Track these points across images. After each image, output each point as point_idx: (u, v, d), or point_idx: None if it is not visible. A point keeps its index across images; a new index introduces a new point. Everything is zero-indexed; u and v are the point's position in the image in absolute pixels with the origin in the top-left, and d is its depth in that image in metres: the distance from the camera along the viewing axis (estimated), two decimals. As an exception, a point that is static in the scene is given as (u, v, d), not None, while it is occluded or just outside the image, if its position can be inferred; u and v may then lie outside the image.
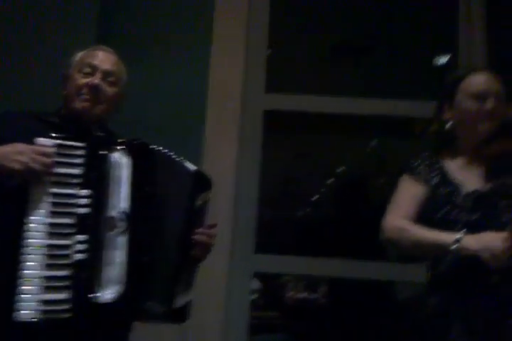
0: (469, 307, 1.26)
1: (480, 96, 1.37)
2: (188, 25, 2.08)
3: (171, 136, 1.88)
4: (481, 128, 1.37)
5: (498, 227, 1.24)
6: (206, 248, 1.31)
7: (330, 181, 3.11)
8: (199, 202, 1.28)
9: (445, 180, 1.39)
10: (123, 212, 1.15)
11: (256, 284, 3.29)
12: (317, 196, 3.13)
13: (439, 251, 1.27)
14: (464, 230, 1.24)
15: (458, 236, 1.22)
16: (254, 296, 3.23)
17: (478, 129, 1.37)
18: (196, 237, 1.27)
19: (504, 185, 1.32)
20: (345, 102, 2.20)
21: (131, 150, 1.19)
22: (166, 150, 1.26)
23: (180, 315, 1.27)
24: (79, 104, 1.26)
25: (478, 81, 1.40)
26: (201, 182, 1.31)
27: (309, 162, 2.67)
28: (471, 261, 1.20)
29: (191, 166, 1.29)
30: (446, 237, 1.24)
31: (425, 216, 1.36)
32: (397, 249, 1.41)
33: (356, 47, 2.59)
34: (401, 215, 1.36)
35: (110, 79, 1.29)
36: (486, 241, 1.19)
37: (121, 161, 1.18)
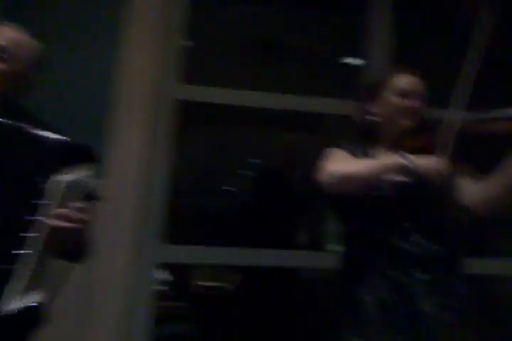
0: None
1: (405, 94, 1.50)
2: (101, 11, 1.99)
3: (78, 121, 1.80)
4: (402, 122, 1.49)
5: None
6: (66, 234, 1.06)
7: (244, 172, 3.13)
8: (57, 179, 1.08)
9: None
10: None
11: (165, 275, 3.25)
12: (231, 187, 3.14)
13: (392, 170, 1.36)
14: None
15: (406, 157, 1.34)
16: (162, 287, 3.19)
17: (400, 124, 1.50)
18: (45, 220, 1.06)
19: (420, 177, 1.39)
20: (260, 97, 2.22)
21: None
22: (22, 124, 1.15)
23: (23, 320, 1.04)
24: None
25: (405, 80, 1.53)
26: (66, 156, 1.14)
27: (224, 154, 2.67)
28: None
29: (58, 138, 1.18)
30: (390, 158, 1.37)
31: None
32: (346, 189, 1.41)
33: (272, 43, 2.61)
34: (338, 162, 1.42)
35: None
36: (427, 160, 1.33)
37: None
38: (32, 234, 1.04)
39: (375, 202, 1.43)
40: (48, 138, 1.19)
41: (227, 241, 2.19)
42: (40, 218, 1.06)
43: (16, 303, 1.00)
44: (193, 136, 2.56)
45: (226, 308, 2.99)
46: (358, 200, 1.44)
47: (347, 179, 1.38)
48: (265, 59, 2.49)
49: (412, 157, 1.34)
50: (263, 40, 2.55)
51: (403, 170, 1.34)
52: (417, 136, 1.53)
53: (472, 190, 1.47)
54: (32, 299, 1.03)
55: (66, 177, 1.08)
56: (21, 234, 1.05)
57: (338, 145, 1.54)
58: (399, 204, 1.42)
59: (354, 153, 1.51)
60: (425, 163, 1.34)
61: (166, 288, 3.42)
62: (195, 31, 2.21)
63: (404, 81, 1.54)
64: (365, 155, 1.53)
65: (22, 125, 1.17)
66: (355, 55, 2.50)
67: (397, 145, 1.52)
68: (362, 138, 1.61)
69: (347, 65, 2.60)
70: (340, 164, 1.41)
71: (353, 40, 2.36)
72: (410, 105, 1.50)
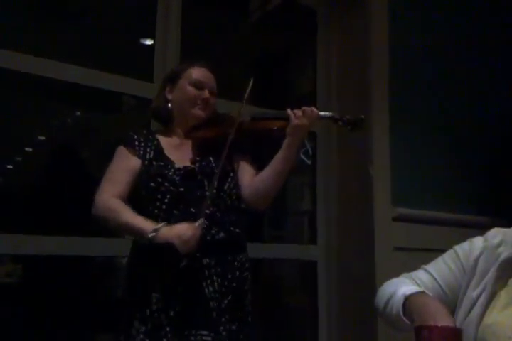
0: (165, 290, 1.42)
1: (199, 85, 1.61)
2: None
3: None
4: (194, 112, 1.60)
5: (195, 199, 1.47)
6: None
7: (28, 149, 2.84)
8: None
9: (160, 155, 1.55)
10: None
11: None
12: (11, 166, 2.83)
13: (138, 236, 1.42)
14: (165, 222, 1.40)
15: (158, 226, 1.38)
16: None
17: (192, 113, 1.60)
18: None
19: (204, 165, 1.55)
20: (49, 65, 2.02)
21: None
22: None
23: None
24: None
25: (201, 72, 1.63)
26: None
27: (4, 127, 2.37)
28: (164, 248, 1.36)
29: None
30: (147, 226, 1.39)
31: (141, 185, 1.51)
32: (105, 226, 1.50)
33: (69, 10, 2.40)
34: (114, 192, 1.47)
35: None
36: (178, 231, 1.36)
37: None
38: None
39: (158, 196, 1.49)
40: None
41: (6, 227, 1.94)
42: None
43: None
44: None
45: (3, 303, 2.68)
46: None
47: (103, 217, 1.45)
48: (56, 25, 2.28)
49: (166, 228, 1.38)
50: (61, 8, 2.34)
51: (145, 240, 1.39)
52: (208, 127, 1.60)
53: (246, 184, 1.61)
54: None
55: None
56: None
57: (129, 143, 1.56)
58: (178, 196, 1.50)
59: (143, 153, 1.54)
60: (175, 233, 1.37)
61: None
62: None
63: (200, 73, 1.63)
64: (156, 149, 1.57)
65: None
66: (147, 35, 2.45)
67: (188, 134, 1.59)
68: (157, 123, 1.69)
69: (138, 43, 2.55)
70: (110, 195, 1.46)
71: (147, 20, 2.33)
72: (204, 96, 1.60)
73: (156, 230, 1.37)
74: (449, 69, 2.98)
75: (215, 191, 1.50)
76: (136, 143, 1.56)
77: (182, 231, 1.36)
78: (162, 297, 1.41)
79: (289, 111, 1.58)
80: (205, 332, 1.40)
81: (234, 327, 1.47)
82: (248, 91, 1.56)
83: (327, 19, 2.92)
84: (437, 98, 2.91)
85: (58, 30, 2.30)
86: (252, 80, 1.56)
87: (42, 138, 2.79)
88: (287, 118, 1.56)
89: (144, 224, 1.41)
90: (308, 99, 2.97)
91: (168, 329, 1.40)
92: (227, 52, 2.76)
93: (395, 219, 2.56)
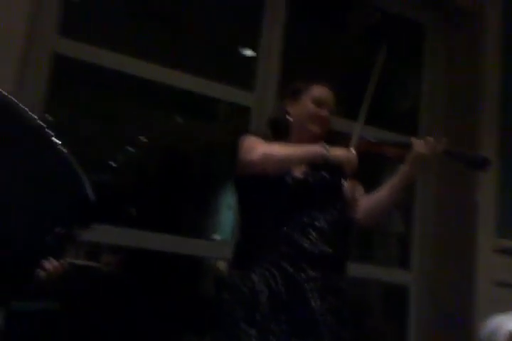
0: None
1: (320, 103, 1.62)
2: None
3: None
4: (312, 128, 1.62)
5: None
6: None
7: (131, 149, 2.98)
8: None
9: None
10: None
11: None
12: (115, 163, 2.98)
13: (313, 157, 1.49)
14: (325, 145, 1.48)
15: (324, 146, 1.46)
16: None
17: (310, 129, 1.62)
18: None
19: (316, 177, 1.57)
20: (152, 68, 2.10)
21: None
22: None
23: None
24: None
25: (323, 91, 1.65)
26: None
27: (107, 124, 2.50)
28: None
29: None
30: (316, 147, 1.48)
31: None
32: (265, 167, 1.50)
33: (169, 14, 2.50)
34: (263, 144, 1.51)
35: None
36: (346, 152, 1.48)
37: None
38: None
39: (281, 191, 1.51)
40: None
41: (109, 220, 2.05)
42: None
43: None
44: (71, 101, 2.38)
45: (98, 290, 2.83)
46: (268, 185, 1.52)
47: (272, 160, 1.49)
48: (160, 31, 2.38)
49: (330, 148, 1.47)
50: (160, 12, 2.45)
51: (323, 158, 1.46)
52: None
53: (360, 204, 1.60)
54: None
55: None
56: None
57: (250, 133, 1.61)
58: (299, 198, 1.52)
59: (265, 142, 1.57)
60: (341, 154, 1.48)
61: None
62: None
63: (323, 91, 1.66)
64: None
65: None
66: (249, 46, 2.50)
67: None
68: (271, 134, 1.69)
69: (240, 53, 2.60)
70: (270, 146, 1.51)
71: (248, 30, 2.36)
72: (323, 114, 1.63)
73: (327, 149, 1.46)
74: None
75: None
76: (257, 136, 1.61)
77: (348, 153, 1.48)
78: (268, 302, 1.42)
79: (412, 139, 1.55)
80: None
81: None
82: (364, 111, 1.58)
83: (434, 35, 2.79)
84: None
85: (170, 39, 2.40)
86: (368, 99, 1.59)
87: (144, 139, 2.93)
88: (408, 146, 1.54)
89: (314, 147, 1.49)
90: (409, 118, 2.85)
91: (277, 335, 1.40)
92: (327, 67, 2.73)
93: (497, 251, 2.36)
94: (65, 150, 1.04)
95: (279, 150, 1.51)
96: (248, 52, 2.59)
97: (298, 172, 1.56)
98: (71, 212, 1.06)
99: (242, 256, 1.55)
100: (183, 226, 2.91)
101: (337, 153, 1.47)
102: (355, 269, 2.44)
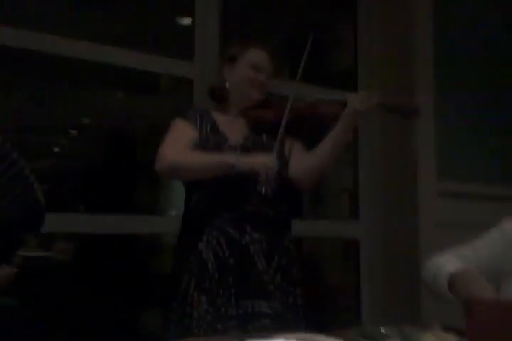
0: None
1: (258, 68, 1.63)
2: None
3: None
4: (252, 94, 1.64)
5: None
6: None
7: (73, 132, 2.92)
8: None
9: (215, 129, 1.60)
10: None
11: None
12: (58, 148, 2.92)
13: (223, 168, 1.46)
14: (238, 152, 1.49)
15: (237, 156, 1.46)
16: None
17: (250, 94, 1.64)
18: None
19: (259, 143, 1.60)
20: (90, 48, 2.06)
21: None
22: None
23: None
24: None
25: (261, 55, 1.65)
26: None
27: (47, 109, 2.43)
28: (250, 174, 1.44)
29: None
30: (226, 157, 1.46)
31: None
32: (176, 177, 1.57)
33: None
34: (176, 149, 1.49)
35: None
36: (262, 160, 1.45)
37: None
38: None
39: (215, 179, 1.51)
40: None
41: (57, 207, 2.02)
42: None
43: None
44: (8, 87, 2.29)
45: (56, 280, 2.80)
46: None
47: (179, 170, 1.48)
48: (92, 9, 2.30)
49: (241, 157, 1.45)
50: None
51: (232, 168, 1.44)
52: (263, 108, 1.67)
53: (296, 164, 1.63)
54: None
55: None
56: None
57: (184, 116, 1.60)
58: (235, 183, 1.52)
59: (199, 125, 1.58)
60: (255, 161, 1.45)
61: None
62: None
63: (259, 56, 1.65)
64: (212, 124, 1.62)
65: None
66: (183, 14, 2.45)
67: (243, 113, 1.61)
68: (212, 101, 1.71)
69: (176, 23, 2.55)
70: (177, 150, 1.48)
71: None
72: (261, 79, 1.63)
73: (238, 159, 1.43)
74: (495, 41, 2.87)
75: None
76: (193, 116, 1.61)
77: (265, 161, 1.44)
78: (215, 268, 1.47)
79: (347, 95, 1.57)
80: (264, 303, 1.46)
81: (289, 302, 1.52)
82: (301, 70, 1.58)
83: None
84: (483, 70, 2.81)
85: (97, 13, 2.33)
86: (304, 58, 1.59)
87: (86, 121, 2.87)
88: (343, 103, 1.56)
89: (223, 156, 1.48)
90: (348, 75, 2.91)
91: (227, 299, 1.45)
92: (264, 29, 2.72)
93: (441, 194, 2.51)
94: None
95: (187, 159, 1.48)
96: (185, 21, 2.53)
97: (235, 140, 1.58)
98: (24, 218, 1.06)
99: (188, 226, 1.59)
100: (137, 205, 2.91)
101: (251, 160, 1.45)
102: (309, 226, 2.57)
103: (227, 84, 1.65)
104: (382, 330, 1.05)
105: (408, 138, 2.53)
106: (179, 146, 1.51)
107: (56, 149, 3.00)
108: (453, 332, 1.02)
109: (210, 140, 1.57)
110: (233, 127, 1.64)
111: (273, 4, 2.71)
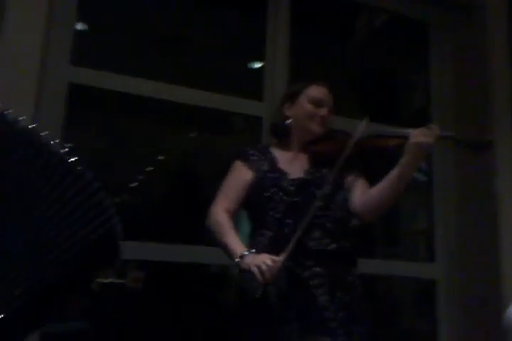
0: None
1: (318, 103, 1.66)
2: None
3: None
4: (312, 128, 1.65)
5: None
6: None
7: (149, 169, 3.05)
8: None
9: (274, 167, 1.61)
10: None
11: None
12: (135, 183, 3.05)
13: (229, 257, 1.50)
14: (253, 250, 1.46)
15: (245, 252, 1.44)
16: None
17: (310, 129, 1.65)
18: None
19: (320, 177, 1.59)
20: (163, 88, 2.17)
21: None
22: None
23: None
24: None
25: (320, 90, 1.68)
26: None
27: (124, 147, 2.57)
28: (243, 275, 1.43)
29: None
30: (237, 249, 1.47)
31: (255, 194, 1.58)
32: (210, 237, 1.59)
33: (175, 36, 2.58)
34: (226, 205, 1.57)
35: None
36: (259, 260, 1.39)
37: None
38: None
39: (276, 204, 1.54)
40: None
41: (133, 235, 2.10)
42: None
43: None
44: (89, 126, 2.45)
45: (127, 306, 2.86)
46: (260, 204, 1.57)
47: (209, 234, 1.56)
48: (168, 53, 2.45)
49: (250, 256, 1.43)
50: (171, 36, 2.52)
51: (233, 260, 1.46)
52: (324, 142, 1.67)
53: (358, 197, 1.60)
54: None
55: None
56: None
57: (244, 158, 1.64)
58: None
59: (258, 166, 1.61)
60: (250, 263, 1.41)
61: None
62: (94, 15, 2.12)
63: (319, 90, 1.68)
64: (271, 162, 1.64)
65: None
66: (255, 58, 2.54)
67: (304, 148, 1.60)
68: (274, 139, 1.74)
69: (247, 66, 2.64)
70: (225, 205, 1.57)
71: (254, 43, 2.39)
72: (322, 113, 1.65)
73: (242, 256, 1.43)
74: None
75: (322, 203, 1.52)
76: (251, 156, 1.64)
77: (262, 261, 1.38)
78: (276, 303, 1.43)
79: (409, 129, 1.55)
80: (328, 339, 1.41)
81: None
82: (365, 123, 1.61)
83: (440, 32, 2.81)
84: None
85: (173, 56, 2.47)
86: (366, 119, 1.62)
87: (161, 158, 2.99)
88: (406, 137, 1.53)
89: (237, 246, 1.48)
90: (421, 115, 2.86)
91: (288, 334, 1.42)
92: (335, 71, 2.76)
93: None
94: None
95: (216, 229, 1.54)
96: (256, 65, 2.63)
97: (295, 175, 1.59)
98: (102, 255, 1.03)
99: None
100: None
101: (250, 261, 1.41)
102: (383, 266, 2.47)
103: (289, 121, 1.67)
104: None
105: (486, 178, 2.41)
106: (229, 199, 1.58)
107: (133, 184, 3.13)
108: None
109: (268, 178, 1.58)
110: (294, 162, 1.64)
111: (341, 47, 2.75)
